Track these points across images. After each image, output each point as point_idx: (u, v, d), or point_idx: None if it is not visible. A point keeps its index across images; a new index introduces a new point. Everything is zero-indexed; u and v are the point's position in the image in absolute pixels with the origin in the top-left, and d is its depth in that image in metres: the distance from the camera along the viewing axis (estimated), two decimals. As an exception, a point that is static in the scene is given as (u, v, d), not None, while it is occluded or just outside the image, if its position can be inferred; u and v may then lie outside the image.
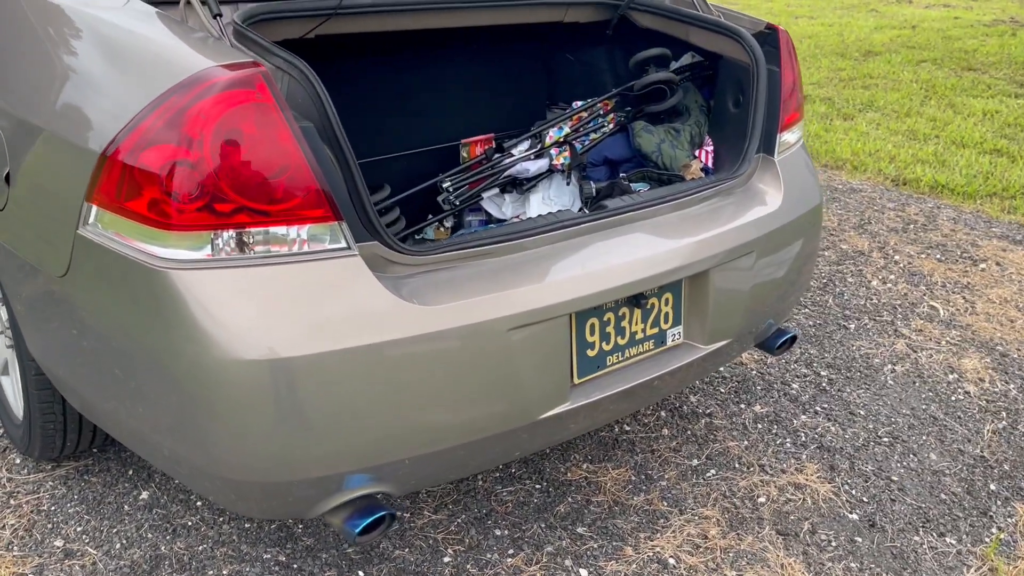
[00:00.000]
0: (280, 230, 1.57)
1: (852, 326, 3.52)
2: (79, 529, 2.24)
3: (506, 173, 2.52)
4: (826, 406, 2.96)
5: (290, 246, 1.58)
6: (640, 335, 2.03)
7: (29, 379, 2.14)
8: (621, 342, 1.99)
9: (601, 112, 2.61)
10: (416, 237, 2.59)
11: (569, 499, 2.45)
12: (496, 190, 2.58)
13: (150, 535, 2.23)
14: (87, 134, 1.64)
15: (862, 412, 2.94)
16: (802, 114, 2.48)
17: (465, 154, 2.63)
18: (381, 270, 1.68)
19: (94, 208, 1.63)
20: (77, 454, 2.47)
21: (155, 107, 1.56)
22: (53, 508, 2.31)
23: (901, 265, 4.08)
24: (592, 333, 1.92)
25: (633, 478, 2.55)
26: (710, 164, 2.44)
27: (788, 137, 2.40)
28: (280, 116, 1.55)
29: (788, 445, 2.75)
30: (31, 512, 2.28)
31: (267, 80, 1.54)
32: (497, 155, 2.56)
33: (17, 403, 2.38)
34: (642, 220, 2.04)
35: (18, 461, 2.47)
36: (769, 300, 2.27)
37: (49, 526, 2.25)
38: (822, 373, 3.16)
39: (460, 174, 2.52)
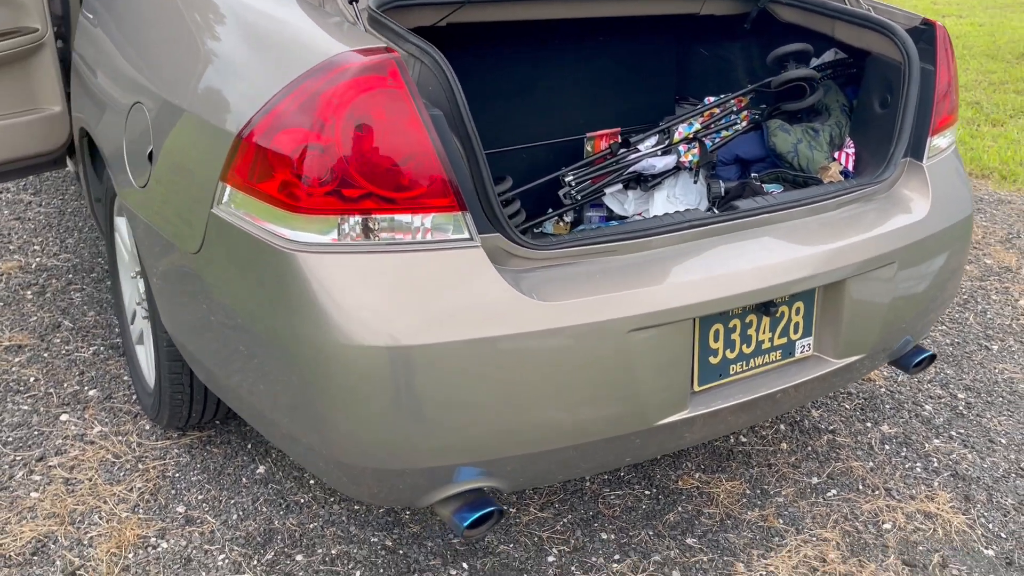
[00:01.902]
0: (405, 218, 1.57)
1: (995, 347, 3.27)
2: (200, 497, 2.32)
3: (631, 169, 2.45)
4: (963, 431, 2.76)
5: (414, 234, 1.58)
6: (767, 344, 1.93)
7: (161, 350, 2.23)
8: (747, 351, 1.90)
9: (735, 109, 2.50)
10: (535, 231, 2.56)
11: (679, 508, 2.37)
12: (619, 186, 2.52)
13: (264, 509, 2.29)
14: (225, 116, 1.68)
15: (1003, 440, 2.72)
16: (956, 117, 2.31)
17: (589, 148, 2.58)
18: (502, 263, 1.65)
19: (228, 188, 1.67)
20: (202, 425, 2.57)
21: (290, 91, 1.58)
22: (177, 475, 2.40)
23: (1053, 284, 3.77)
24: (716, 340, 1.84)
25: (748, 492, 2.45)
26: (850, 167, 2.30)
27: (939, 141, 2.24)
28: (411, 103, 1.54)
29: (918, 470, 2.57)
30: (157, 477, 2.39)
31: (400, 67, 1.54)
32: (622, 150, 2.49)
33: (150, 372, 2.49)
34: (775, 223, 1.94)
35: (147, 427, 2.59)
36: (908, 315, 2.12)
37: (173, 492, 2.34)
38: (959, 396, 2.95)
39: (583, 168, 2.47)
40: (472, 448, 1.63)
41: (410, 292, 1.56)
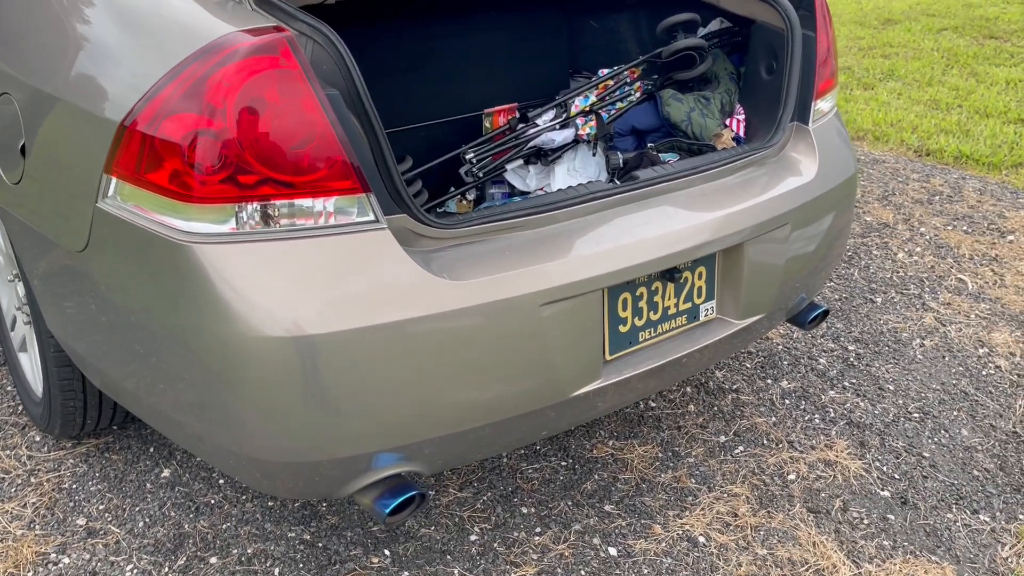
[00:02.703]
0: (306, 202, 1.52)
1: (879, 300, 3.45)
2: (101, 507, 2.21)
3: (531, 144, 2.45)
4: (854, 381, 2.91)
5: (316, 219, 1.53)
6: (673, 310, 1.97)
7: (48, 356, 2.11)
8: (654, 317, 1.94)
9: (628, 80, 2.53)
10: (439, 210, 2.53)
11: (596, 476, 2.41)
12: (520, 161, 2.51)
13: (173, 513, 2.20)
14: (104, 104, 1.58)
15: (891, 387, 2.88)
16: (836, 81, 2.40)
17: (488, 124, 2.56)
18: (410, 244, 1.62)
19: (113, 180, 1.58)
20: (98, 432, 2.44)
21: (174, 76, 1.50)
22: (75, 486, 2.28)
23: (927, 237, 4.00)
24: (625, 308, 1.87)
25: (660, 455, 2.51)
26: (742, 133, 2.36)
27: (822, 105, 2.33)
28: (306, 83, 1.49)
29: (817, 421, 2.70)
30: (52, 491, 2.26)
31: (292, 46, 1.48)
32: (521, 125, 2.49)
33: (36, 380, 2.35)
34: (674, 192, 1.98)
35: (38, 439, 2.45)
36: (803, 274, 2.21)
37: (71, 504, 2.22)
38: (850, 348, 3.10)
39: (483, 145, 2.45)
40: (389, 434, 1.61)
41: (316, 279, 1.51)
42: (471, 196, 2.58)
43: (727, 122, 2.40)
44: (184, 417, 1.66)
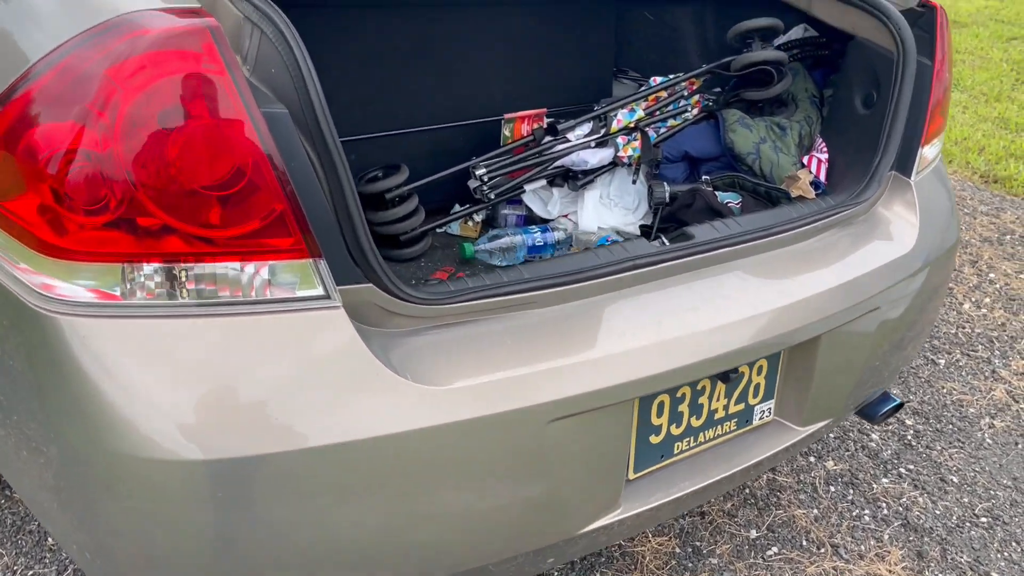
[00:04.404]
0: (227, 267, 1.06)
1: (942, 362, 2.98)
2: (-13, 569, 1.80)
3: (558, 163, 1.98)
4: (912, 468, 2.45)
5: (244, 291, 1.07)
6: (721, 413, 1.52)
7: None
8: (695, 423, 1.48)
9: (685, 93, 2.04)
10: (438, 231, 2.07)
11: (598, 575, 1.98)
12: (543, 182, 2.04)
13: (73, 587, 1.78)
14: (-44, 95, 1.12)
15: (955, 479, 2.42)
16: (945, 120, 1.91)
17: (508, 133, 2.08)
18: (375, 323, 1.17)
19: (-35, 203, 1.12)
20: None
21: (50, 64, 1.03)
22: (-40, 536, 1.86)
23: (997, 286, 3.51)
24: (660, 414, 1.41)
25: (677, 551, 2.07)
26: (822, 178, 1.88)
27: (928, 152, 1.84)
28: (234, 94, 1.02)
29: (867, 519, 2.24)
30: (-68, 540, 1.84)
31: (216, 38, 1.01)
32: (548, 138, 2.01)
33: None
34: (737, 259, 1.51)
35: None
36: (887, 366, 1.74)
37: (-49, 561, 1.81)
38: (907, 422, 2.64)
39: (499, 158, 1.98)
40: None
41: (236, 377, 1.06)
42: (479, 217, 2.12)
43: (805, 160, 1.92)
44: (53, 509, 1.22)
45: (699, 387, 1.46)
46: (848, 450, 2.49)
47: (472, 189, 2.00)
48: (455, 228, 2.11)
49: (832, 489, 2.33)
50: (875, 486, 2.36)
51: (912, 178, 1.78)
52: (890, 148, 1.73)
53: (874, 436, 2.57)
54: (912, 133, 1.75)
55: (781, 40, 2.11)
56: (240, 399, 1.05)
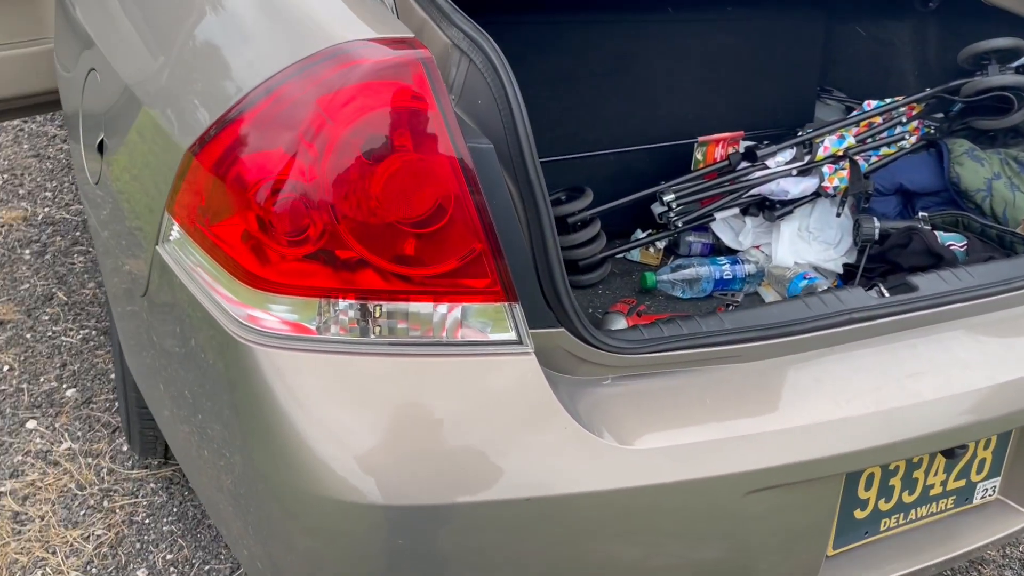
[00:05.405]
0: (420, 306, 1.02)
1: None
2: (168, 557, 1.88)
3: (754, 191, 1.85)
4: None
5: (433, 330, 1.03)
6: (937, 489, 1.35)
7: (127, 379, 1.76)
8: (907, 499, 1.32)
9: (903, 119, 1.85)
10: (618, 257, 1.98)
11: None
12: (735, 210, 1.91)
13: (244, 584, 1.84)
14: (175, 120, 1.14)
15: None
16: None
17: (700, 156, 1.96)
18: (562, 369, 1.10)
19: (175, 225, 1.14)
20: (187, 453, 2.11)
21: (267, 92, 1.03)
22: (147, 521, 1.96)
23: None
24: (868, 487, 1.27)
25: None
26: (1067, 223, 1.65)
27: None
28: (442, 128, 0.98)
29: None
30: (122, 522, 1.95)
31: (428, 70, 0.97)
32: (745, 164, 1.88)
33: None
34: (968, 316, 1.33)
35: (124, 449, 2.15)
36: None
37: (137, 546, 1.90)
38: None
39: (690, 183, 1.87)
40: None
41: (424, 422, 1.02)
42: (662, 244, 2.01)
43: (1046, 201, 1.69)
44: (244, 533, 1.24)
45: (915, 459, 1.30)
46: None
47: (657, 215, 1.90)
48: (635, 255, 2.01)
49: (1044, 568, 2.06)
50: (1097, 570, 2.07)
51: None
52: None
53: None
54: None
55: (1019, 62, 1.88)
56: (426, 445, 1.01)
